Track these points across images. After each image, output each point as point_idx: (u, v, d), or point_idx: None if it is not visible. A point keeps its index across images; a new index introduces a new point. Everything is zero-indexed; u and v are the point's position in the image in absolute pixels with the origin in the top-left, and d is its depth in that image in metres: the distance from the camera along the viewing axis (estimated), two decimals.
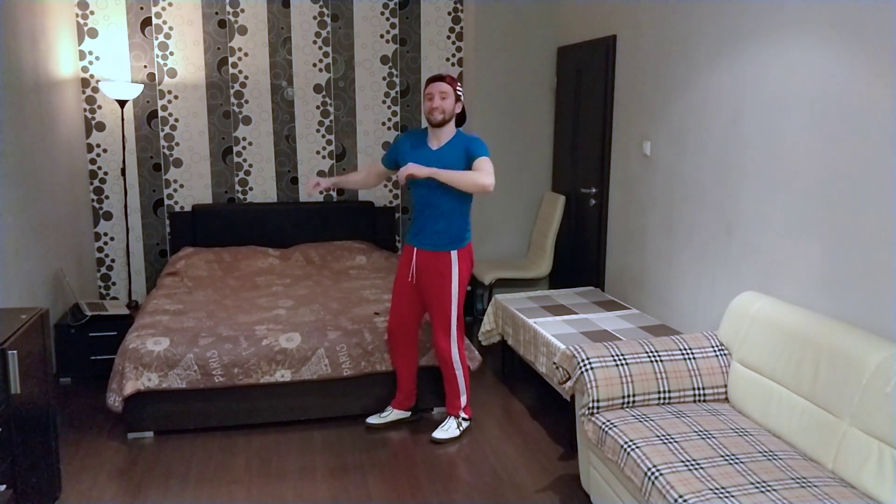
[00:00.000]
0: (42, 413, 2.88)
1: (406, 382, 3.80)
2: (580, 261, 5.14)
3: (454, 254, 3.55)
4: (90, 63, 5.14)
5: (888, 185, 2.59)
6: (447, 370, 3.69)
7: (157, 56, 5.24)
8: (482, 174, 3.34)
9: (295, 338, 3.74)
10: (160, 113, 5.32)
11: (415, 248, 3.61)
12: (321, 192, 3.59)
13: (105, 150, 5.26)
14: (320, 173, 5.61)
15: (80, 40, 5.11)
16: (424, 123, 5.73)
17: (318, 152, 5.62)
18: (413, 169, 3.35)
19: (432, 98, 3.47)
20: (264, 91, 5.46)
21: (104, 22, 5.12)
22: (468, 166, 3.44)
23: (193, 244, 5.31)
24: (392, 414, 3.83)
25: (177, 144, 5.38)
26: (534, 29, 5.48)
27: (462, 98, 3.54)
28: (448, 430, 3.70)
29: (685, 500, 2.27)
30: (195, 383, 3.61)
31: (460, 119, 3.59)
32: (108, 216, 5.35)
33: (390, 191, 5.82)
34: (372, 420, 3.81)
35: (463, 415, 3.77)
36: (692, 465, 2.45)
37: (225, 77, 5.37)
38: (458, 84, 3.52)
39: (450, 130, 3.52)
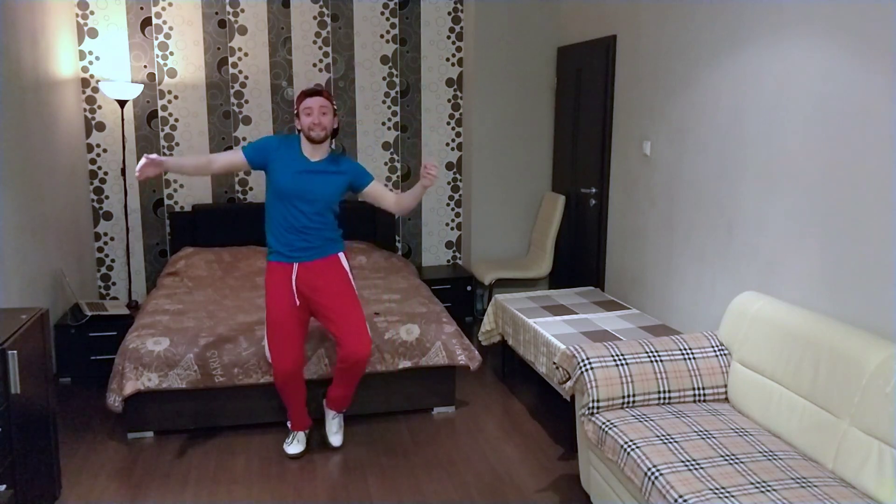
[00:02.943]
0: (42, 413, 2.88)
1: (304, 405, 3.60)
2: (580, 261, 5.14)
3: (342, 255, 3.51)
4: (90, 63, 5.14)
5: (888, 185, 2.59)
6: (357, 378, 3.48)
7: (157, 56, 5.24)
8: (403, 197, 3.46)
9: None
10: (160, 113, 5.32)
11: (295, 265, 3.37)
12: (148, 178, 3.16)
13: (105, 150, 5.26)
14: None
15: (80, 40, 5.11)
16: (427, 123, 5.75)
17: None
18: (435, 169, 3.19)
19: (311, 113, 3.28)
20: (264, 91, 5.46)
21: (104, 22, 5.12)
22: (352, 188, 3.43)
23: (193, 244, 5.30)
24: (303, 438, 3.59)
25: (177, 144, 5.38)
26: (534, 29, 5.48)
27: (337, 112, 3.41)
28: (342, 429, 3.67)
29: (685, 500, 2.27)
30: (195, 383, 3.61)
31: (333, 133, 3.42)
32: (108, 216, 5.35)
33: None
34: (294, 450, 3.53)
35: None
36: (692, 465, 2.45)
37: (225, 77, 5.37)
38: (333, 99, 3.41)
39: (325, 147, 3.38)
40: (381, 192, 3.49)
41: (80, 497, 3.16)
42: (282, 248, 3.38)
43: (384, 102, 5.68)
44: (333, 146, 3.49)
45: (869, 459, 2.30)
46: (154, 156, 3.09)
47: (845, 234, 2.80)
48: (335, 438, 3.62)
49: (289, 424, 3.61)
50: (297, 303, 3.38)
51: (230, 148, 5.45)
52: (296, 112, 3.36)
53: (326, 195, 3.36)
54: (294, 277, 3.38)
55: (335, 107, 3.39)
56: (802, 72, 2.99)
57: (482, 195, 5.65)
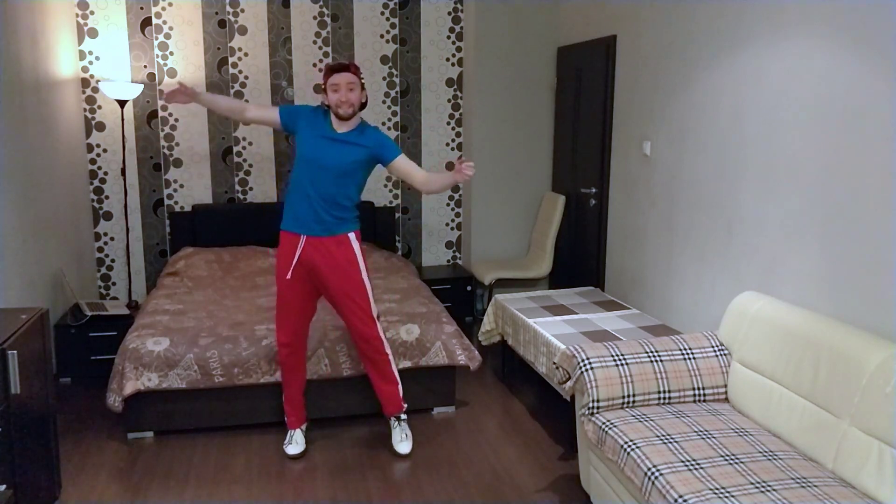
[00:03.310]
0: (42, 413, 2.88)
1: (302, 397, 3.61)
2: (580, 261, 5.14)
3: (352, 235, 3.37)
4: (90, 63, 5.14)
5: (888, 185, 2.59)
6: (383, 361, 3.44)
7: (157, 56, 5.24)
8: (434, 175, 3.33)
9: None
10: (160, 113, 5.32)
11: (302, 238, 3.31)
12: (175, 103, 3.25)
13: (105, 150, 5.26)
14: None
15: (80, 40, 5.11)
16: (427, 123, 5.75)
17: None
18: (472, 170, 3.08)
19: (339, 90, 3.22)
20: (264, 91, 5.46)
21: (104, 22, 5.12)
22: (377, 160, 3.32)
23: (193, 244, 5.30)
24: (301, 438, 3.57)
25: (177, 144, 5.38)
26: (534, 29, 5.48)
27: (365, 86, 3.35)
28: (408, 434, 3.57)
29: (685, 500, 2.27)
30: (195, 383, 3.61)
31: (361, 106, 3.36)
32: (108, 216, 5.35)
33: (390, 191, 5.82)
34: (293, 451, 3.51)
35: (404, 406, 3.61)
36: (692, 465, 2.45)
37: (225, 77, 5.37)
38: (361, 72, 3.31)
39: (355, 120, 3.33)
40: (408, 169, 3.34)
41: (80, 497, 3.16)
42: (290, 217, 3.35)
43: (384, 102, 5.68)
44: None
45: (869, 459, 2.30)
46: (189, 87, 3.17)
47: (845, 234, 2.80)
48: (401, 447, 3.53)
49: (286, 421, 3.61)
50: (289, 276, 3.34)
51: (230, 147, 5.45)
52: (323, 87, 3.31)
53: (342, 164, 3.26)
54: (298, 251, 3.33)
55: (363, 80, 3.32)
56: (802, 72, 2.99)
57: (482, 195, 5.65)
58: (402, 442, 3.56)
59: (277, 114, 3.40)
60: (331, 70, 3.26)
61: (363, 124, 3.37)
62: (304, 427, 3.64)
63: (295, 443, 3.55)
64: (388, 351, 3.53)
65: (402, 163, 3.34)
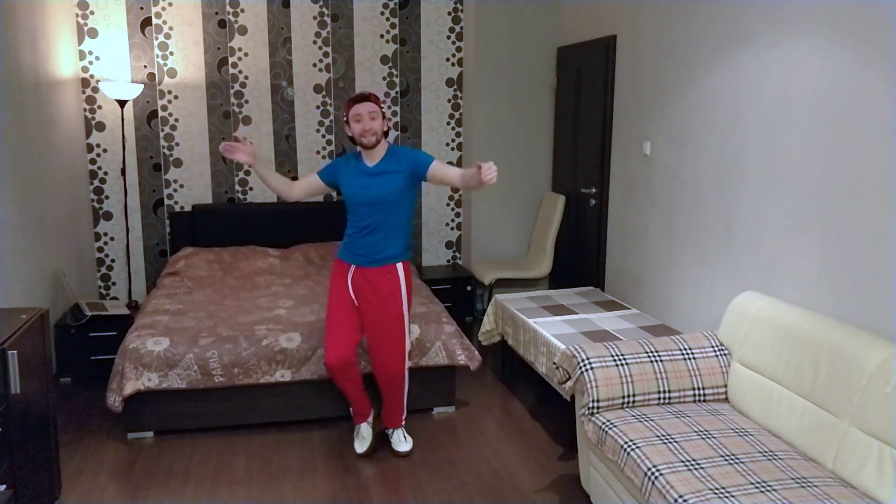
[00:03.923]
0: (42, 413, 2.88)
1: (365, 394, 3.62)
2: (580, 261, 5.14)
3: (400, 266, 3.42)
4: (90, 63, 5.14)
5: (888, 185, 2.59)
6: (398, 391, 3.53)
7: (157, 56, 5.24)
8: (468, 171, 3.24)
9: (295, 338, 3.74)
10: (160, 113, 5.32)
11: (352, 267, 3.42)
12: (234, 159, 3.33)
13: (105, 150, 5.26)
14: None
15: (80, 40, 5.11)
16: (427, 123, 5.75)
17: (317, 152, 5.62)
18: (493, 173, 3.01)
19: (361, 120, 3.28)
20: (264, 91, 5.46)
21: (104, 22, 5.12)
22: (417, 178, 3.33)
23: (193, 244, 5.30)
24: (367, 432, 3.61)
25: (177, 144, 5.38)
26: (534, 29, 5.48)
27: (386, 115, 3.41)
28: (407, 438, 3.59)
29: (685, 500, 2.27)
30: (195, 383, 3.61)
31: (384, 134, 3.41)
32: (108, 216, 5.35)
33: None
34: (360, 448, 3.56)
35: (402, 424, 3.65)
36: (692, 465, 2.45)
37: (225, 77, 5.37)
38: (382, 101, 3.36)
39: (382, 147, 3.37)
40: (442, 172, 3.31)
41: (80, 497, 3.16)
42: (345, 248, 3.46)
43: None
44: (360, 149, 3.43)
45: (869, 459, 2.30)
46: (251, 144, 3.33)
47: (845, 234, 2.80)
48: (401, 447, 3.56)
49: (352, 415, 3.66)
50: (353, 300, 3.43)
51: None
52: (345, 119, 3.36)
53: (385, 195, 3.32)
54: (350, 278, 3.42)
55: (383, 109, 3.37)
56: (802, 72, 2.99)
57: (482, 195, 5.65)
58: (402, 443, 3.57)
59: (318, 178, 3.49)
60: (352, 102, 3.32)
61: (392, 148, 3.41)
62: (370, 420, 3.63)
63: (360, 438, 3.58)
64: (406, 387, 3.59)
65: (438, 168, 3.33)
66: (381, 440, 3.66)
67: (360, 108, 3.28)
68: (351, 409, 3.63)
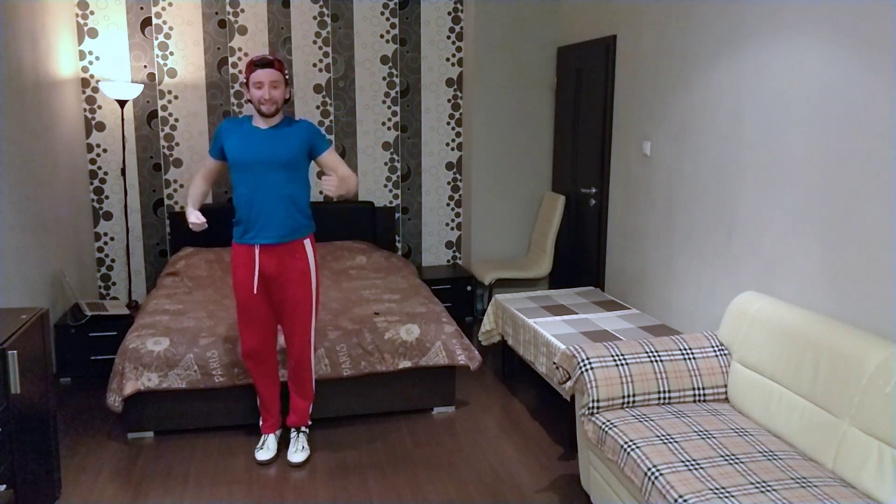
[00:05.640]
0: (42, 413, 2.88)
1: (277, 402, 3.55)
2: (580, 261, 5.14)
3: (307, 242, 3.30)
4: (90, 63, 5.14)
5: (888, 185, 2.59)
6: (306, 377, 3.44)
7: (157, 56, 5.24)
8: (351, 173, 3.25)
9: None
10: (160, 113, 5.32)
11: (256, 246, 3.23)
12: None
13: (105, 150, 5.26)
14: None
15: (80, 40, 5.11)
16: (427, 123, 5.75)
17: None
18: (330, 188, 3.06)
19: (262, 87, 3.10)
20: None
21: (104, 22, 5.12)
22: (306, 156, 3.24)
23: (193, 244, 5.30)
24: (273, 443, 3.50)
25: (177, 144, 5.38)
26: (534, 29, 5.48)
27: (289, 82, 3.21)
28: (305, 447, 3.49)
29: (685, 500, 2.27)
30: (195, 383, 3.61)
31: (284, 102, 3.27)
32: (108, 216, 5.35)
33: (390, 191, 5.82)
34: (263, 456, 3.44)
35: (309, 423, 3.57)
36: (692, 465, 2.45)
37: (225, 77, 5.37)
38: (286, 68, 3.16)
39: (279, 116, 3.24)
40: (332, 163, 3.28)
41: (80, 497, 3.16)
42: (242, 228, 3.26)
43: (384, 102, 5.68)
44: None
45: (869, 459, 2.30)
46: (192, 218, 3.21)
47: (845, 234, 2.80)
48: (295, 457, 3.43)
49: (260, 425, 3.55)
50: (256, 290, 3.29)
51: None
52: (244, 81, 3.20)
53: (281, 154, 3.17)
54: (257, 263, 3.26)
55: (287, 76, 3.20)
56: (802, 72, 2.99)
57: (482, 195, 5.65)
58: (298, 452, 3.45)
59: (210, 158, 3.35)
60: (253, 65, 3.13)
61: (288, 118, 3.29)
62: (278, 433, 3.56)
63: (266, 448, 3.47)
64: (313, 377, 3.51)
65: (330, 157, 3.27)
66: (382, 439, 3.66)
67: (262, 75, 3.11)
68: (261, 420, 3.54)
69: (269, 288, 3.33)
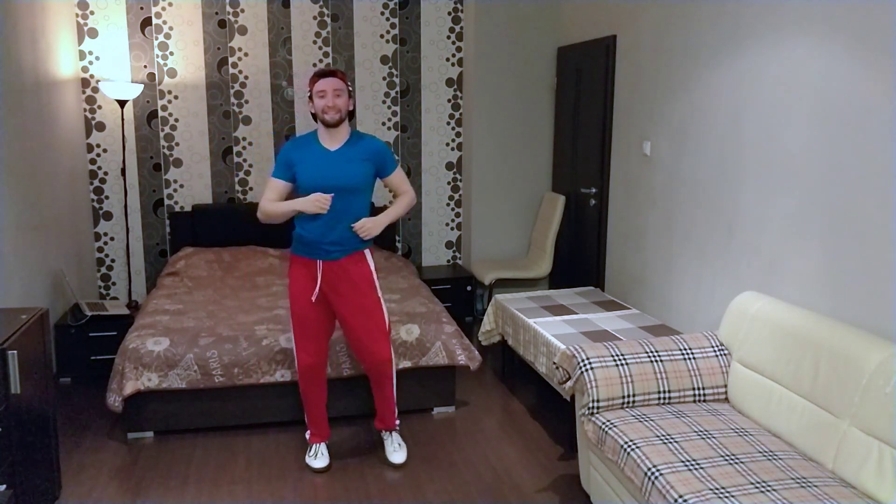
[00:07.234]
0: (42, 413, 2.88)
1: (325, 412, 3.51)
2: (580, 261, 5.14)
3: (367, 252, 3.34)
4: (90, 63, 5.14)
5: (888, 185, 2.59)
6: (388, 382, 3.40)
7: (157, 56, 5.24)
8: (411, 192, 3.37)
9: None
10: (160, 113, 5.32)
11: (320, 262, 3.24)
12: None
13: (105, 150, 5.26)
14: None
15: (80, 40, 5.11)
16: (427, 123, 5.75)
17: None
18: (371, 228, 3.17)
19: (325, 95, 3.12)
20: (264, 91, 5.46)
21: (104, 22, 5.12)
22: (375, 175, 3.28)
23: (193, 244, 5.30)
24: (325, 451, 3.48)
25: (177, 144, 5.38)
26: (534, 29, 5.48)
27: (353, 94, 3.25)
28: (402, 443, 3.51)
29: (685, 500, 2.27)
30: (195, 383, 3.61)
31: (349, 115, 3.28)
32: (108, 216, 5.35)
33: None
34: (319, 464, 3.41)
35: (397, 424, 3.56)
36: (692, 465, 2.45)
37: (225, 77, 5.37)
38: (348, 79, 3.22)
39: (345, 130, 3.23)
40: (397, 183, 3.38)
41: (80, 497, 3.16)
42: (305, 244, 3.25)
43: (384, 102, 5.68)
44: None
45: (869, 459, 2.30)
46: (317, 197, 3.15)
47: (845, 234, 2.80)
48: (395, 457, 3.46)
49: (307, 436, 3.50)
50: (314, 299, 3.27)
51: (230, 147, 5.46)
52: (308, 94, 3.22)
53: (351, 180, 3.19)
54: (319, 276, 3.25)
55: (350, 87, 3.23)
56: (802, 72, 2.99)
57: (482, 195, 5.65)
58: (396, 452, 3.48)
59: (276, 181, 3.25)
60: (317, 76, 3.18)
61: (355, 133, 3.29)
62: (327, 441, 3.55)
63: (320, 455, 3.44)
64: (395, 371, 3.49)
65: (396, 177, 3.36)
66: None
67: (325, 84, 3.13)
68: (308, 430, 3.49)
69: (330, 299, 3.30)
